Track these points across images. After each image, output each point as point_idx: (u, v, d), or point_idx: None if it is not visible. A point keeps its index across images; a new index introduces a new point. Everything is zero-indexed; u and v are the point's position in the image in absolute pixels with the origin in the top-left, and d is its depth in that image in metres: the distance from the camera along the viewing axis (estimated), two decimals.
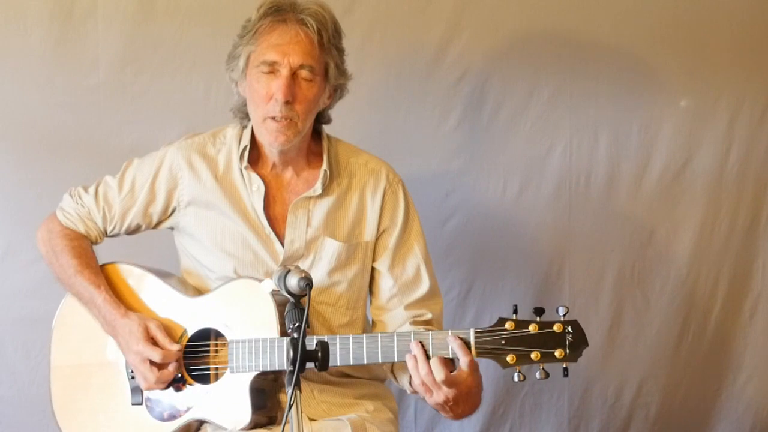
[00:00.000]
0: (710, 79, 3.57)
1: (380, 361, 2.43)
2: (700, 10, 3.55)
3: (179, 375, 2.54)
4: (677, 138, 3.58)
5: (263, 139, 2.58)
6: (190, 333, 2.56)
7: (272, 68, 2.50)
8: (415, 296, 2.66)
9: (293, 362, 2.06)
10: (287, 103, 2.49)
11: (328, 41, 2.54)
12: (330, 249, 2.62)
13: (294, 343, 2.09)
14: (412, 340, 2.39)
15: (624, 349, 3.62)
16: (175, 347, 2.52)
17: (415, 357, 2.38)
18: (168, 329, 2.56)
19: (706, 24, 3.55)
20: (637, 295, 3.62)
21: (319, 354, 2.10)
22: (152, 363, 2.50)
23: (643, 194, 3.59)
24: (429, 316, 2.65)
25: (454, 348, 2.36)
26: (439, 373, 2.35)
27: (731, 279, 3.65)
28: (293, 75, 2.50)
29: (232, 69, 2.58)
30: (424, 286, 2.67)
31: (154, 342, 2.52)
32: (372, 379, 2.71)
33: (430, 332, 2.41)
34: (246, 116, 2.65)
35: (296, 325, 2.15)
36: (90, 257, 2.67)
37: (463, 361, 2.36)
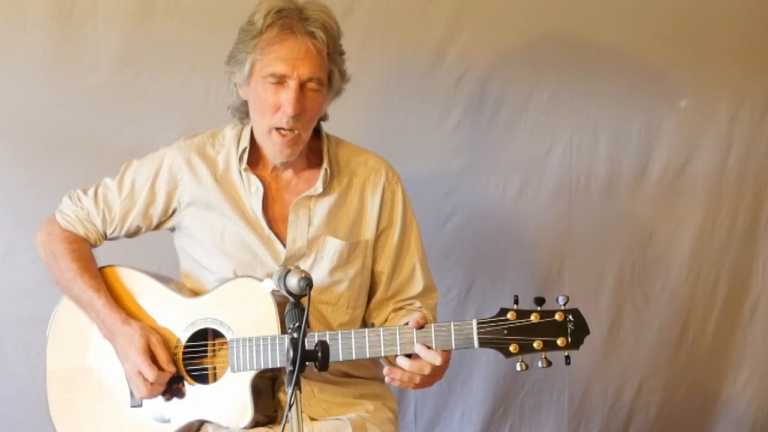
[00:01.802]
0: (710, 79, 3.58)
1: (383, 354, 2.44)
2: (700, 10, 3.55)
3: (179, 376, 2.54)
4: (677, 138, 3.59)
5: (267, 149, 2.59)
6: (184, 341, 2.55)
7: (280, 80, 2.49)
8: (406, 295, 2.69)
9: (293, 362, 2.06)
10: (295, 115, 2.50)
11: (334, 50, 2.54)
12: (332, 248, 2.62)
13: (294, 343, 2.09)
14: (416, 342, 2.41)
15: (624, 349, 3.63)
16: (170, 368, 2.52)
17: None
18: (164, 339, 2.55)
19: (706, 24, 3.55)
20: (637, 295, 3.62)
21: (319, 354, 2.10)
22: (145, 378, 2.51)
23: (643, 194, 3.60)
24: (417, 304, 2.68)
25: (428, 357, 2.40)
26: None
27: (731, 279, 3.66)
28: (301, 87, 2.49)
29: (234, 72, 2.57)
30: (417, 287, 2.69)
31: (152, 356, 2.52)
32: (372, 379, 2.71)
33: (432, 325, 2.42)
34: (245, 115, 2.65)
35: (296, 325, 2.16)
36: (89, 261, 2.66)
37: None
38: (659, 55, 3.55)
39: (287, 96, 2.48)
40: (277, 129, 2.52)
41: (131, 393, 2.57)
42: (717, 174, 3.61)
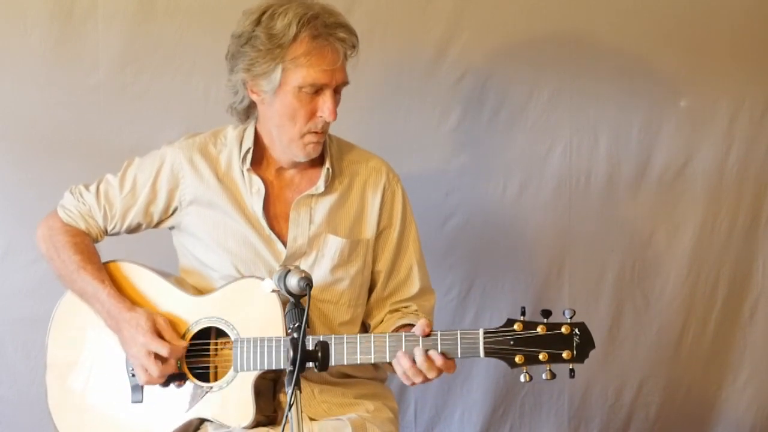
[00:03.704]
0: (710, 79, 3.58)
1: (388, 360, 2.43)
2: (700, 10, 3.55)
3: (181, 373, 2.54)
4: (677, 138, 3.59)
5: (296, 151, 2.58)
6: (194, 330, 2.56)
7: (318, 89, 2.50)
8: (403, 296, 2.70)
9: (293, 362, 2.07)
10: None
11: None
12: (333, 246, 2.62)
13: (294, 343, 2.09)
14: (420, 344, 2.40)
15: (624, 349, 3.63)
16: (181, 343, 2.51)
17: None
18: (173, 324, 2.55)
19: (706, 24, 3.56)
20: (637, 295, 3.62)
21: (319, 354, 2.10)
22: (156, 356, 2.50)
23: (643, 194, 3.60)
24: (414, 308, 2.68)
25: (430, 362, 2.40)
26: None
27: (731, 279, 3.66)
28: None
29: (249, 80, 2.52)
30: (414, 288, 2.70)
31: (160, 336, 2.51)
32: (372, 379, 2.71)
33: (438, 333, 2.41)
34: (247, 117, 2.65)
35: (296, 325, 2.16)
36: (92, 253, 2.66)
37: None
38: (659, 55, 3.55)
39: (327, 104, 2.50)
40: (314, 132, 2.54)
41: (132, 388, 2.57)
42: (717, 174, 3.61)
